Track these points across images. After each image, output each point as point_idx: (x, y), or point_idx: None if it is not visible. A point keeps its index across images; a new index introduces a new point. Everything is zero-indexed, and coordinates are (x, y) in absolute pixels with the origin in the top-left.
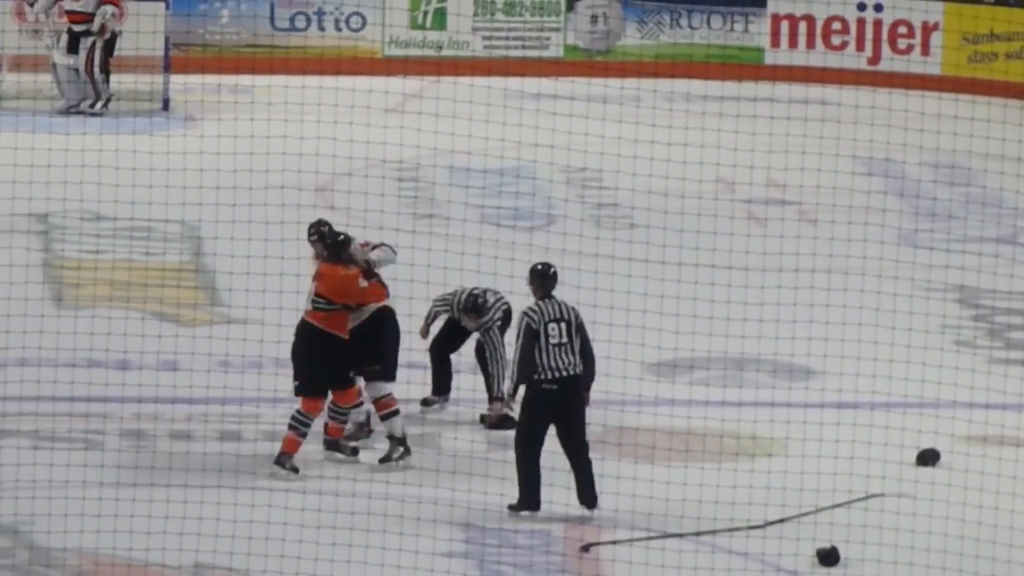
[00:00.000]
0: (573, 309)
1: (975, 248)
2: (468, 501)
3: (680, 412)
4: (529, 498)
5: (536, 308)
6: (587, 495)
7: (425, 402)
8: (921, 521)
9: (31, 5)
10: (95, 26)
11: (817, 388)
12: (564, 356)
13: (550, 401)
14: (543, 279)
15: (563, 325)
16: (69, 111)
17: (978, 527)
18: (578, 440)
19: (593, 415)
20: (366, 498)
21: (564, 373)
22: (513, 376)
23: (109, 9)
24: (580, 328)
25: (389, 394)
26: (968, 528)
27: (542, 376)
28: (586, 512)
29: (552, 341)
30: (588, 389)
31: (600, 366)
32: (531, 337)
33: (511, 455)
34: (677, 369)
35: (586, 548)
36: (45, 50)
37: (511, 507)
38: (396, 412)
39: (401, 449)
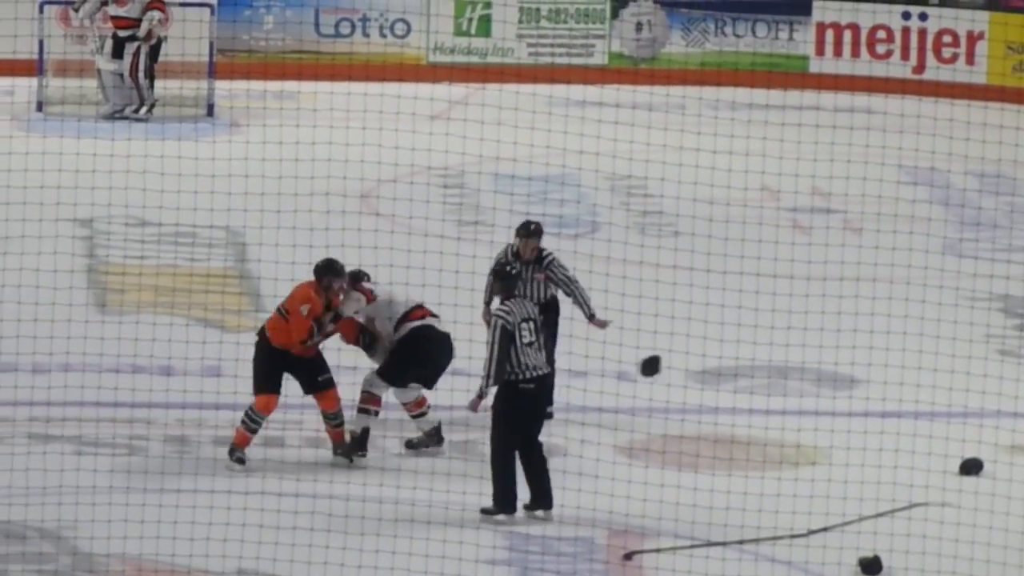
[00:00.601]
0: (535, 307)
1: (1019, 257)
2: None
3: (724, 420)
4: (506, 500)
5: (507, 308)
6: (544, 498)
7: None
8: (964, 530)
9: (76, 10)
10: (142, 31)
11: (861, 397)
12: (537, 355)
13: (529, 400)
14: (506, 280)
15: (531, 324)
16: (114, 116)
17: (1021, 537)
18: (536, 439)
19: (637, 423)
20: (409, 504)
21: (539, 372)
22: (490, 377)
23: (156, 15)
24: (542, 325)
25: (419, 397)
26: (1011, 538)
27: (520, 376)
28: (622, 519)
29: (525, 340)
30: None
31: None
32: (507, 339)
33: (556, 462)
34: (721, 377)
35: (629, 556)
36: (90, 55)
37: (484, 510)
38: (425, 413)
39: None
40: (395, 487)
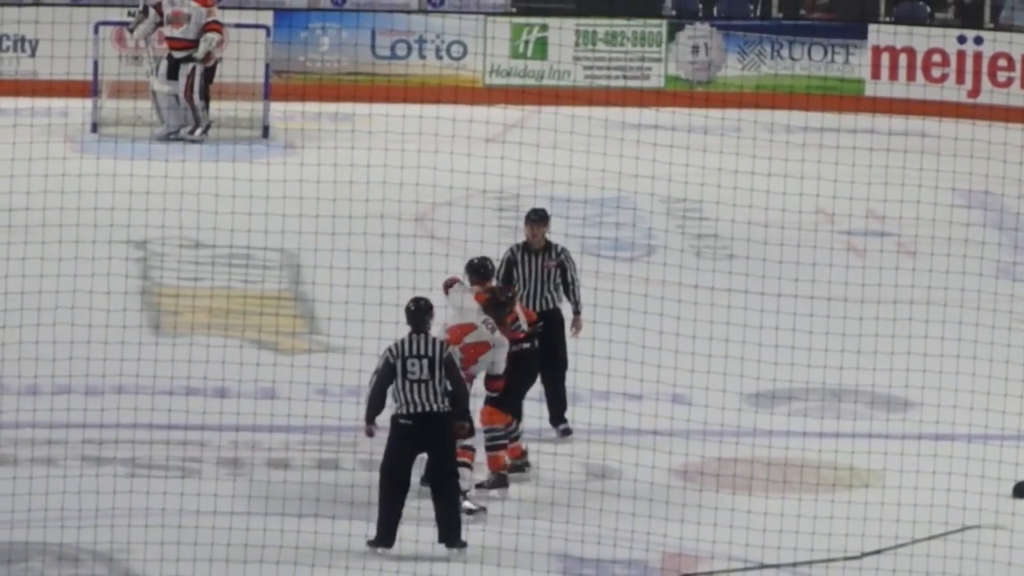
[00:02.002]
0: (441, 345)
1: None
2: (565, 531)
3: (778, 443)
4: (381, 533)
5: (399, 342)
6: (448, 533)
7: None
8: (1018, 554)
9: (131, 31)
10: (200, 53)
11: (914, 419)
12: (424, 392)
13: (405, 435)
14: (409, 314)
15: (424, 362)
16: (169, 138)
17: None
18: (438, 473)
19: (692, 445)
20: (463, 527)
21: (419, 409)
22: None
23: (214, 36)
24: (445, 364)
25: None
26: None
27: (400, 411)
28: (677, 541)
29: (412, 376)
30: (466, 420)
31: (699, 396)
32: (388, 372)
33: (609, 485)
34: (775, 400)
35: None
36: (145, 76)
37: (369, 542)
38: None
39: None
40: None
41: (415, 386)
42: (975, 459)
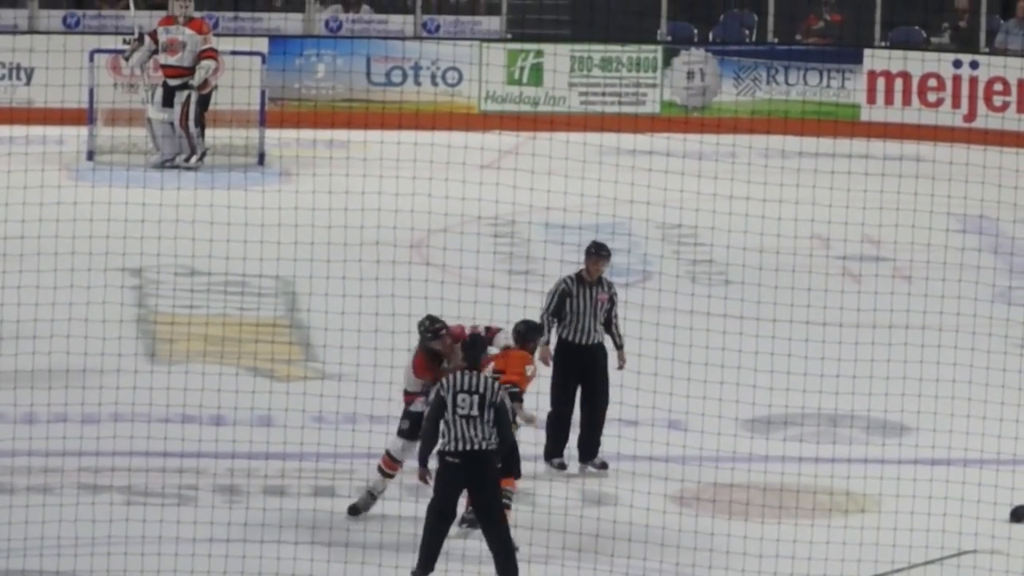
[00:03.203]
0: (497, 386)
1: None
2: (562, 558)
3: (774, 468)
4: (421, 566)
5: (448, 378)
6: (506, 565)
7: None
8: None
9: (126, 59)
10: (197, 80)
11: (910, 444)
12: (472, 429)
13: (452, 473)
14: (464, 348)
15: (474, 397)
16: (164, 165)
17: None
18: (484, 510)
19: (688, 472)
20: (462, 553)
21: (467, 447)
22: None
23: (211, 64)
24: (495, 405)
25: None
26: None
27: (448, 448)
28: (673, 567)
29: (460, 412)
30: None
31: (695, 422)
32: (440, 407)
33: (605, 511)
34: (772, 425)
35: None
36: (140, 104)
37: (412, 572)
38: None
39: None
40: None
41: (461, 421)
42: (971, 484)
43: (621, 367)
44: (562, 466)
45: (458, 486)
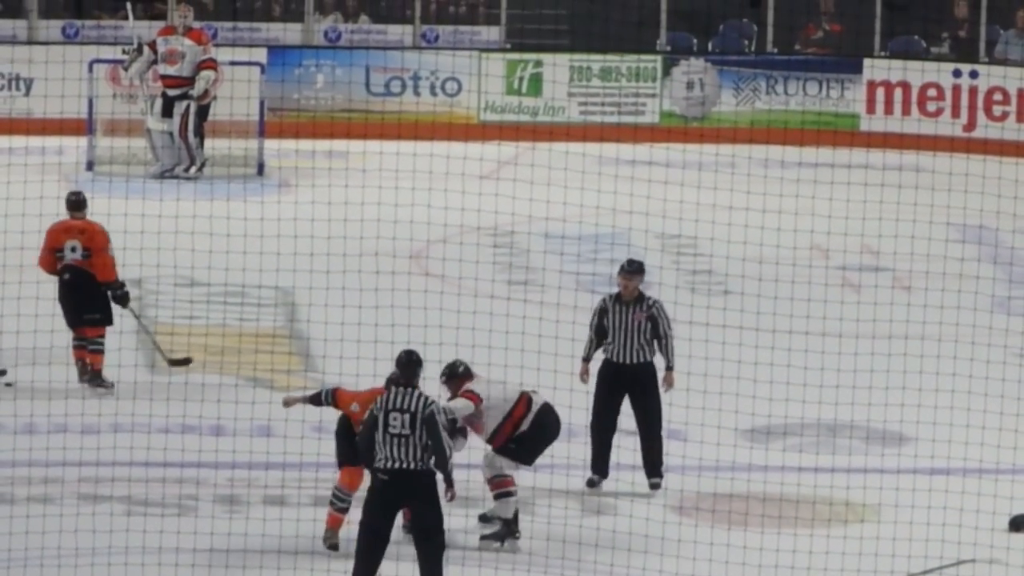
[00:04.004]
0: (427, 402)
1: None
2: (561, 567)
3: (773, 478)
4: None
5: (384, 395)
6: None
7: (590, 483)
8: None
9: (125, 69)
10: (197, 91)
11: (910, 454)
12: (401, 449)
13: (381, 491)
14: (399, 364)
15: (407, 416)
16: (163, 176)
17: None
18: (419, 529)
19: (687, 481)
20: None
21: (395, 465)
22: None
23: (211, 75)
24: (427, 422)
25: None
26: None
27: (379, 465)
28: None
29: (392, 431)
30: (448, 483)
31: (695, 432)
32: (371, 424)
33: (605, 521)
34: (771, 435)
35: None
36: (139, 115)
37: None
38: (511, 494)
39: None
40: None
41: (394, 440)
42: (970, 493)
43: (666, 389)
44: (591, 483)
45: (390, 506)
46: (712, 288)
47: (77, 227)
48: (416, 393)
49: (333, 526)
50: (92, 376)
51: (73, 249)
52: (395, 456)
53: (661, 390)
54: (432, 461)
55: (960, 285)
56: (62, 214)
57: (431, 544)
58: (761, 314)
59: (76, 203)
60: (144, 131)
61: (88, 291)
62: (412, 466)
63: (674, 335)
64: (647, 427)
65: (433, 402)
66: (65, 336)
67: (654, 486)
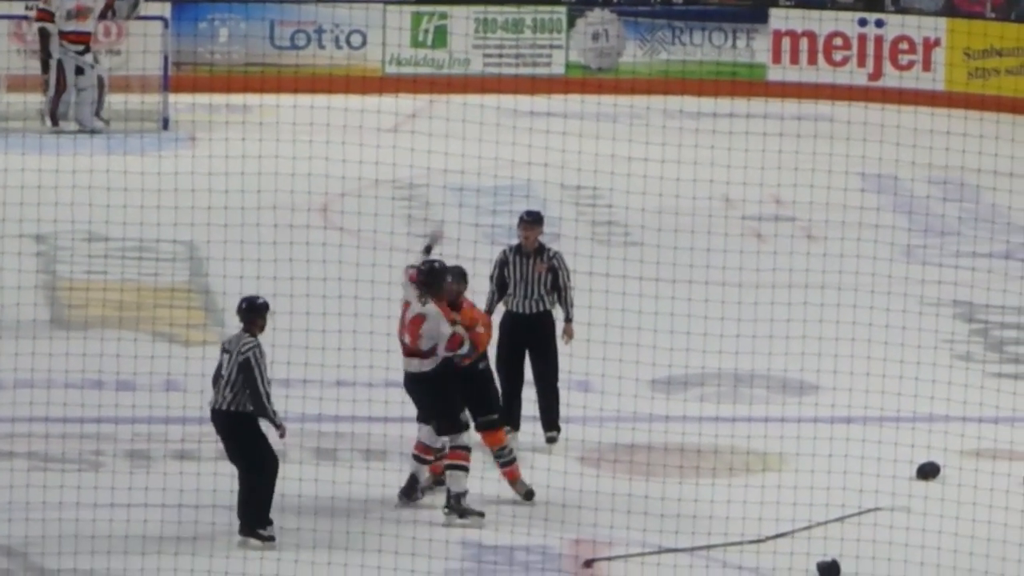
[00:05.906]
0: (246, 345)
1: (977, 264)
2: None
3: (679, 428)
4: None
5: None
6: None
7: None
8: (919, 535)
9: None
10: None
11: (814, 403)
12: (219, 388)
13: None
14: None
15: (225, 356)
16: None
17: (975, 541)
18: (237, 465)
19: (592, 432)
20: (361, 517)
21: (214, 403)
22: None
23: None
24: (242, 367)
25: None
26: (965, 543)
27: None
28: (581, 528)
29: (220, 370)
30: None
31: (600, 383)
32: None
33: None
34: (677, 386)
35: (588, 564)
36: (38, 72)
37: None
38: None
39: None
40: (346, 501)
41: (219, 380)
42: (875, 442)
43: (567, 341)
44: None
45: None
46: (617, 239)
47: None
48: (244, 337)
49: (514, 478)
50: None
51: None
52: (216, 395)
53: (560, 342)
54: (243, 404)
55: (865, 234)
56: None
57: (245, 478)
58: (666, 264)
59: None
60: (44, 87)
61: None
62: (221, 407)
63: (574, 287)
64: (543, 379)
65: (249, 345)
66: None
67: (550, 440)
